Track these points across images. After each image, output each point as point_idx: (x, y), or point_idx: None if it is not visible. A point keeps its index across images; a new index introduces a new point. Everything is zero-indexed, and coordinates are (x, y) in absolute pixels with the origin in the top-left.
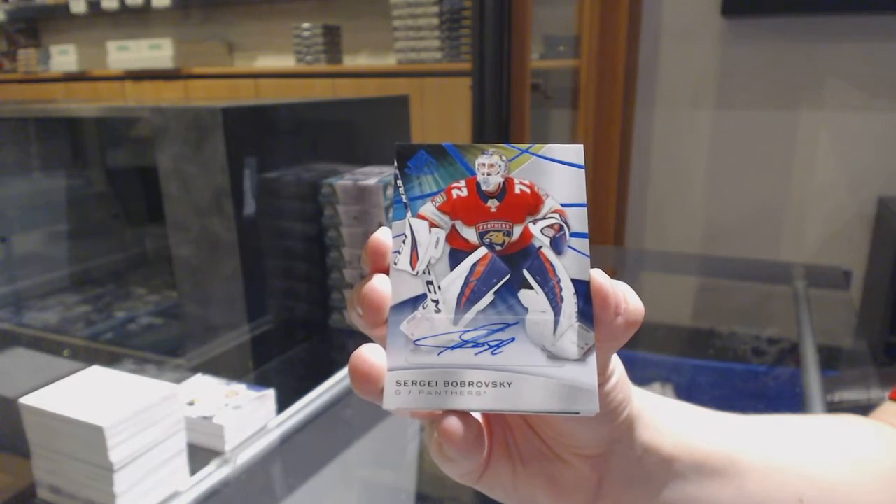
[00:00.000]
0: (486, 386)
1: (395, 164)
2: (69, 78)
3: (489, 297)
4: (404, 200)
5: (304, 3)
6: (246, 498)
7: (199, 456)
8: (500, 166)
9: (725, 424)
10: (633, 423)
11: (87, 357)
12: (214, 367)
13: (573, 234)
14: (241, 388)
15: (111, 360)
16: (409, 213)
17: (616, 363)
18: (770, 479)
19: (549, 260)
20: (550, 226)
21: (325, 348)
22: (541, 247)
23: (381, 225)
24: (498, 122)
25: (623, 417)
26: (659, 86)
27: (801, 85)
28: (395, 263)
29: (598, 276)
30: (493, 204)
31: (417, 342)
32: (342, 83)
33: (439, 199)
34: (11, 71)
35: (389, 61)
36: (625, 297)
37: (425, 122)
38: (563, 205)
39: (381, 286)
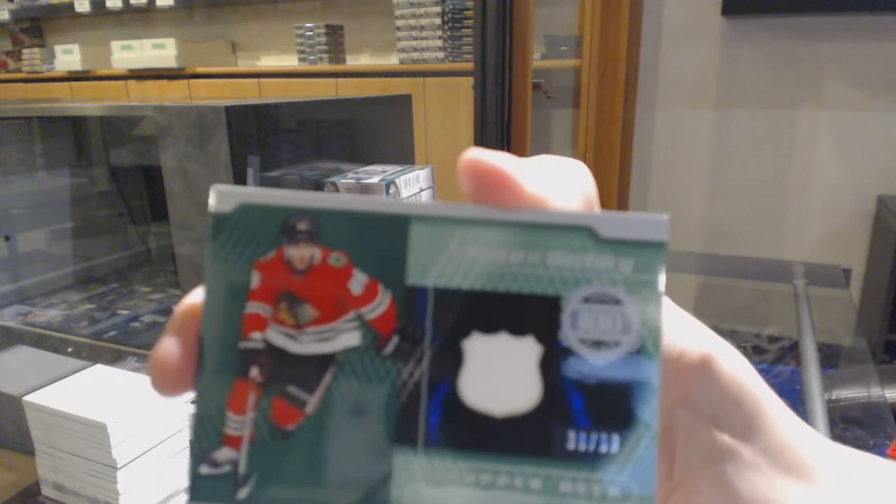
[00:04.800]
0: None
1: None
2: (73, 77)
3: None
4: None
5: (307, 3)
6: None
7: None
8: None
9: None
10: (699, 376)
11: (91, 355)
12: None
13: None
14: None
15: (114, 359)
16: None
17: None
18: None
19: None
20: None
21: None
22: None
23: None
24: (499, 121)
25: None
26: (659, 85)
27: (801, 85)
28: None
29: None
30: None
31: None
32: (345, 83)
33: None
34: (16, 70)
35: (392, 61)
36: None
37: (427, 121)
38: None
39: None
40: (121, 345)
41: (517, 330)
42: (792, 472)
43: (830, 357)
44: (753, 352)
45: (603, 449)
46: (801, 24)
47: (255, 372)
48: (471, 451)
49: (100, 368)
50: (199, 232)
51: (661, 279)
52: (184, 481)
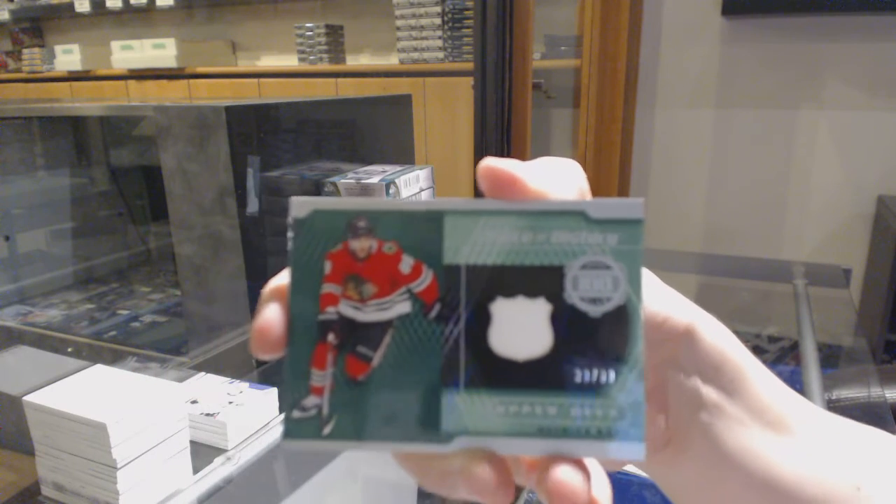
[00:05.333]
0: None
1: None
2: (73, 77)
3: None
4: None
5: (307, 3)
6: (249, 495)
7: (202, 453)
8: None
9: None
10: (685, 341)
11: (91, 355)
12: (217, 366)
13: None
14: (243, 386)
15: (114, 359)
16: None
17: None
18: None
19: None
20: None
21: None
22: None
23: None
24: (499, 121)
25: (666, 328)
26: (659, 85)
27: (801, 85)
28: None
29: None
30: None
31: None
32: (345, 83)
33: None
34: (16, 70)
35: (392, 61)
36: None
37: (427, 121)
38: None
39: None
40: (121, 345)
41: (531, 293)
42: (773, 427)
43: (830, 357)
44: (753, 352)
45: (602, 380)
46: (801, 24)
47: (331, 337)
48: (501, 388)
49: (100, 368)
50: (199, 232)
51: (641, 248)
52: (184, 481)
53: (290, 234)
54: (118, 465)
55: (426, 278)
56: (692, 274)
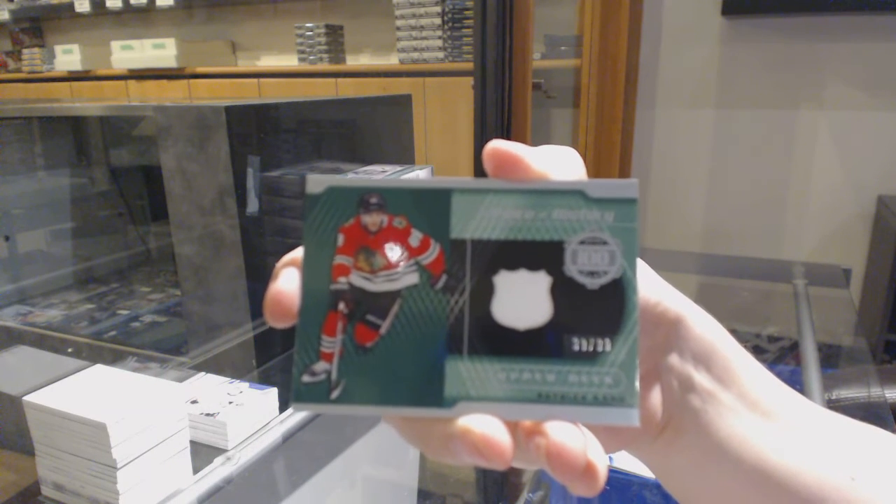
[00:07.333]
0: None
1: None
2: (73, 77)
3: None
4: None
5: (308, 3)
6: (249, 495)
7: (202, 453)
8: None
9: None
10: (677, 328)
11: (91, 355)
12: (217, 366)
13: None
14: (243, 386)
15: (114, 359)
16: None
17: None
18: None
19: None
20: None
21: None
22: None
23: None
24: (499, 121)
25: (658, 312)
26: (659, 85)
27: (801, 85)
28: None
29: None
30: None
31: None
32: (345, 83)
33: None
34: (16, 70)
35: (392, 61)
36: None
37: (427, 121)
38: None
39: None
40: (121, 345)
41: (533, 266)
42: (766, 417)
43: (830, 357)
44: (753, 352)
45: (599, 349)
46: (801, 24)
47: (342, 306)
48: (502, 356)
49: (100, 368)
50: (199, 232)
51: (636, 225)
52: (184, 481)
53: (305, 209)
54: (118, 465)
55: (433, 251)
56: (692, 274)
